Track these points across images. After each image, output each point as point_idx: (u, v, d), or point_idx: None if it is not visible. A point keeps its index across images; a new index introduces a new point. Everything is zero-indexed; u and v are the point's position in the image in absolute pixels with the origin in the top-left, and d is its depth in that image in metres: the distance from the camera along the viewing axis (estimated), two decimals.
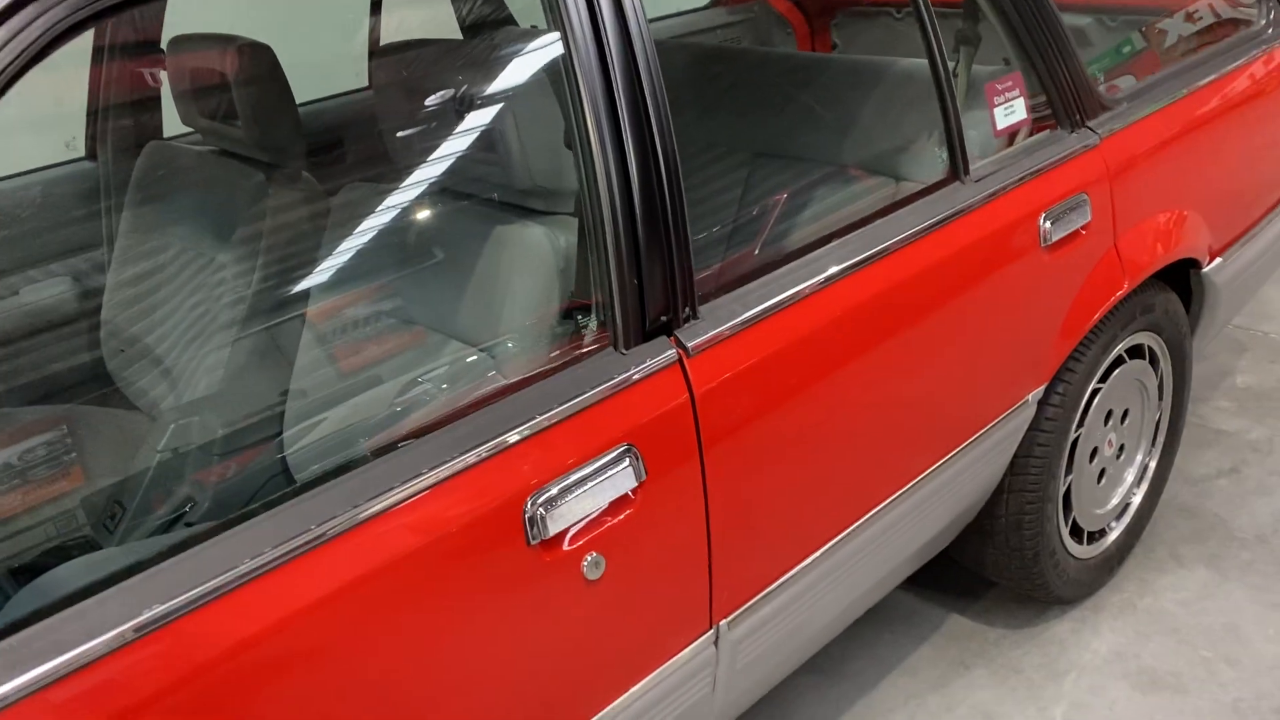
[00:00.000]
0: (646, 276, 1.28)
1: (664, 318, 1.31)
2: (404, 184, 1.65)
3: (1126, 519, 2.31)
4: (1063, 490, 2.09)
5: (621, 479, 1.22)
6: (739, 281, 1.43)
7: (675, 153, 1.30)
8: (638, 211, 1.26)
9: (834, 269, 1.52)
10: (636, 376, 1.26)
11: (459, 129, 1.51)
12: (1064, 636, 2.21)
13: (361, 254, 1.65)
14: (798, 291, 1.47)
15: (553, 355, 1.28)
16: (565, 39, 1.22)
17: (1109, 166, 1.90)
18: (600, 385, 1.23)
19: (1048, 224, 1.78)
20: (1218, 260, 2.28)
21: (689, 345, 1.32)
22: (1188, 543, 2.44)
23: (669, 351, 1.30)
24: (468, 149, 1.53)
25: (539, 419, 1.18)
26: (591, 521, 1.20)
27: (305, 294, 1.68)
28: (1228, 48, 2.29)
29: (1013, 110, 1.80)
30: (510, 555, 1.15)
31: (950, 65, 1.74)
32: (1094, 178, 1.88)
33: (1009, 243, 1.73)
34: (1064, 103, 1.87)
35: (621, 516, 1.24)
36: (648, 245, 1.28)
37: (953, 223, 1.66)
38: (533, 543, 1.16)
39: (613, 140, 1.24)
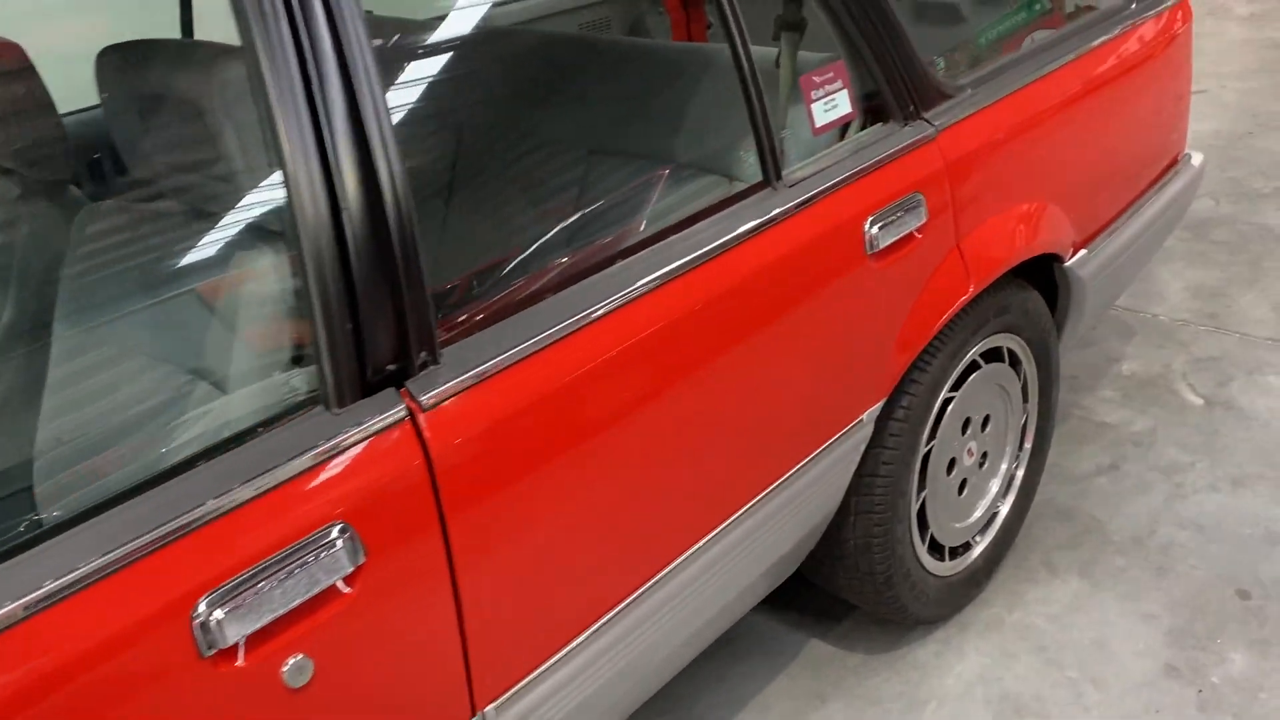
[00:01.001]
0: (366, 317, 1.09)
1: (393, 366, 1.13)
2: (140, 203, 1.45)
3: (993, 531, 2.17)
4: (916, 507, 1.95)
5: (330, 564, 1.04)
6: (500, 314, 1.25)
7: (401, 166, 1.11)
8: (352, 238, 1.08)
9: (618, 294, 1.34)
10: (352, 440, 1.08)
11: (176, 141, 1.32)
12: (926, 660, 2.08)
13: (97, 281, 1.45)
14: (573, 322, 1.29)
15: (247, 420, 1.08)
16: (249, 33, 1.03)
17: (948, 161, 1.75)
18: (301, 454, 1.05)
19: (874, 229, 1.62)
20: (1082, 253, 2.15)
21: (423, 398, 1.13)
22: (1062, 549, 2.32)
23: (397, 407, 1.12)
24: (190, 163, 1.33)
25: (213, 503, 0.99)
26: (286, 620, 1.02)
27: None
28: (1088, 24, 2.14)
29: (834, 105, 1.63)
30: (179, 672, 0.96)
31: (770, 54, 1.58)
32: (930, 175, 1.72)
33: (827, 253, 1.57)
34: (896, 93, 1.71)
35: (332, 609, 1.06)
36: (368, 279, 1.09)
37: (761, 235, 1.50)
38: (206, 654, 0.97)
39: (315, 152, 1.05)
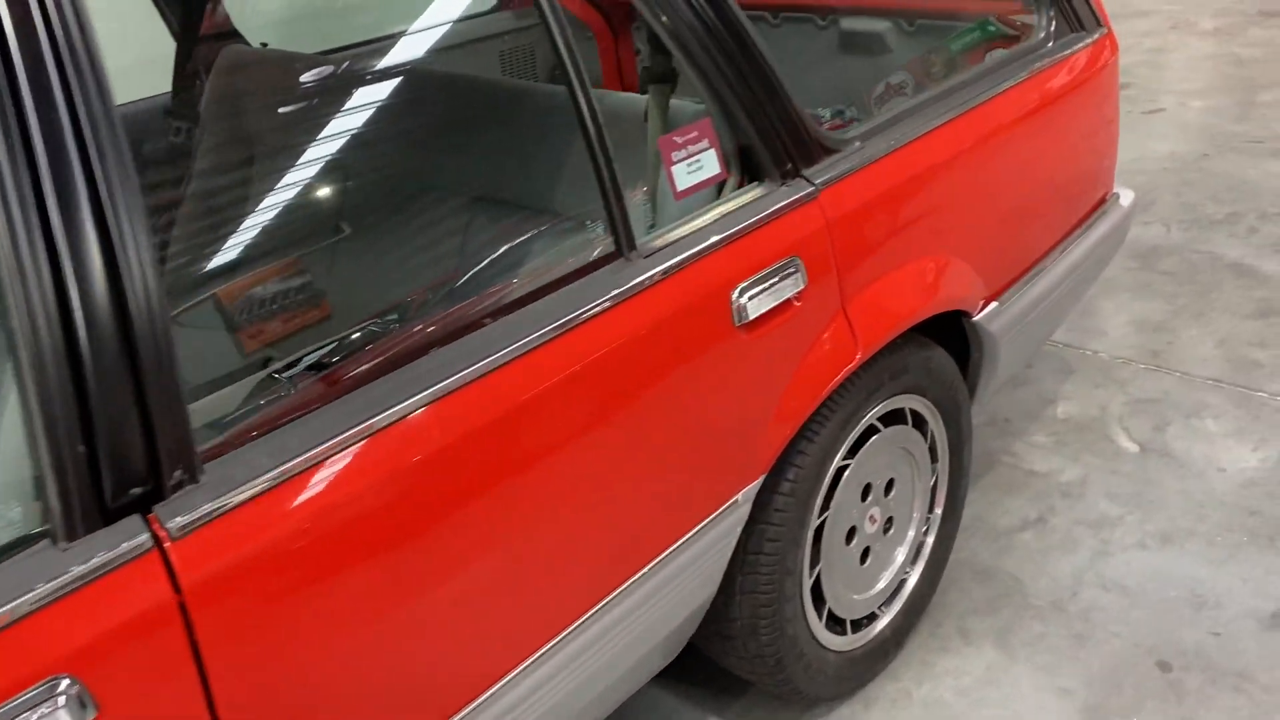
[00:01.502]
0: (103, 434, 0.97)
1: (139, 489, 1.00)
2: None
3: (901, 600, 2.05)
4: (809, 583, 1.82)
5: None
6: (279, 418, 1.12)
7: (152, 256, 0.98)
8: (85, 344, 0.95)
9: (441, 383, 1.22)
10: (79, 579, 0.95)
11: None
12: None
13: None
14: (381, 418, 1.16)
15: None
16: None
17: (831, 221, 1.63)
18: (19, 597, 0.92)
19: (743, 299, 1.50)
20: (992, 306, 2.03)
21: (171, 524, 1.01)
22: (979, 614, 2.20)
23: (141, 537, 0.99)
24: None
25: None
26: None
27: None
28: (998, 65, 2.03)
29: (700, 166, 1.51)
30: None
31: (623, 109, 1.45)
32: (809, 236, 1.60)
33: (687, 327, 1.45)
34: (771, 151, 1.59)
35: None
36: (106, 391, 0.96)
37: (611, 311, 1.37)
38: None
39: (39, 239, 0.93)
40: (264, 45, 2.41)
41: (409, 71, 2.01)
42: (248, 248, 1.72)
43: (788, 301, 1.58)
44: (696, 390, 1.48)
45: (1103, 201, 2.39)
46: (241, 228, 1.76)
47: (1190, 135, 4.67)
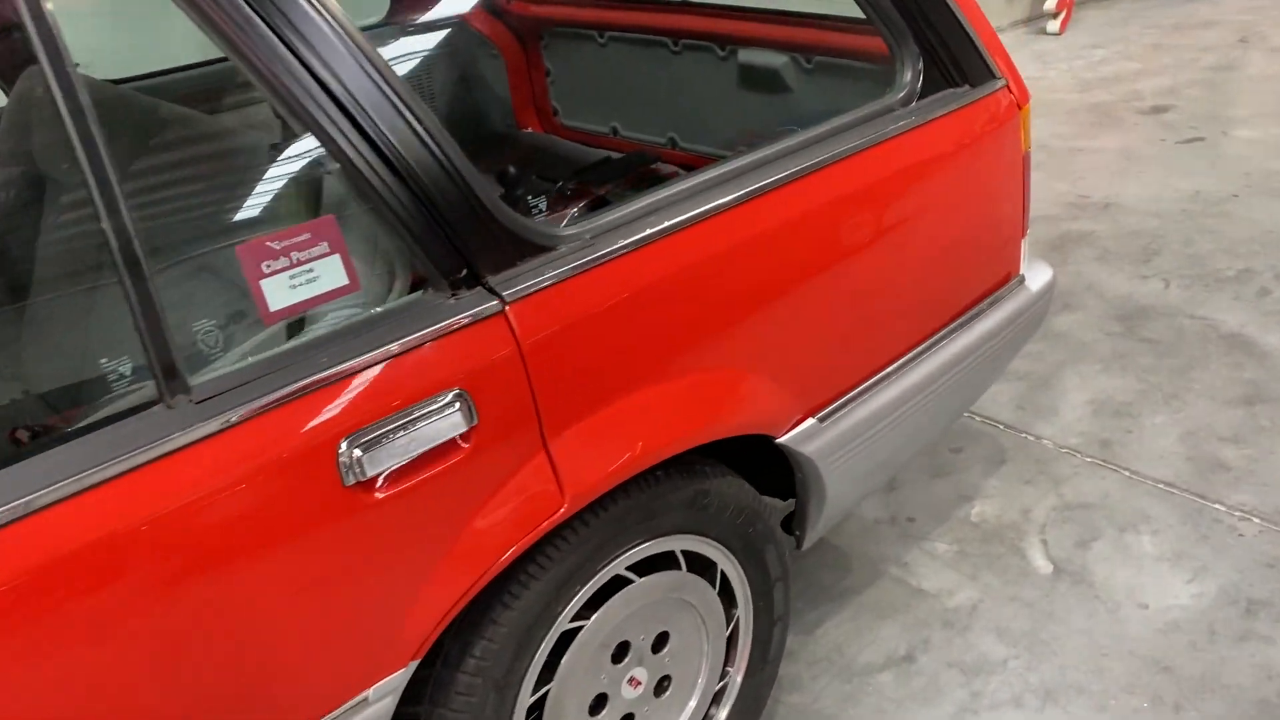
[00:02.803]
0: None
1: None
2: None
3: None
4: None
5: None
6: None
7: None
8: None
9: None
10: None
11: None
12: None
13: None
14: None
15: None
16: None
17: (530, 343, 1.29)
18: None
19: (358, 451, 1.17)
20: (808, 424, 1.67)
21: None
22: None
23: None
24: None
25: None
26: None
27: None
28: (824, 134, 1.65)
29: (314, 276, 1.18)
30: None
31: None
32: (488, 365, 1.26)
33: (265, 495, 1.13)
34: (433, 250, 1.25)
35: None
36: None
37: (141, 472, 1.06)
38: None
39: None
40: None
41: None
42: None
43: (446, 447, 1.24)
44: (285, 575, 1.16)
45: (999, 286, 1.99)
46: None
47: (1223, 172, 4.16)
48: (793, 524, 1.84)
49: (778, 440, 1.63)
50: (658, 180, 2.26)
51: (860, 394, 1.73)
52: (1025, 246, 2.04)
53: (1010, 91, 1.89)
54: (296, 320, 1.22)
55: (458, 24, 2.90)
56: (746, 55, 2.39)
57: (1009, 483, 2.54)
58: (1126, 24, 6.50)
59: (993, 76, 1.86)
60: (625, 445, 1.40)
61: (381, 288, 1.30)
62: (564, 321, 1.32)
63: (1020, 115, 1.92)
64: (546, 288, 1.31)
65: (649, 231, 1.41)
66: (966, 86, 1.82)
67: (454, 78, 2.96)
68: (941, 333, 1.85)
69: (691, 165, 2.50)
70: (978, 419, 2.79)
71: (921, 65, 1.76)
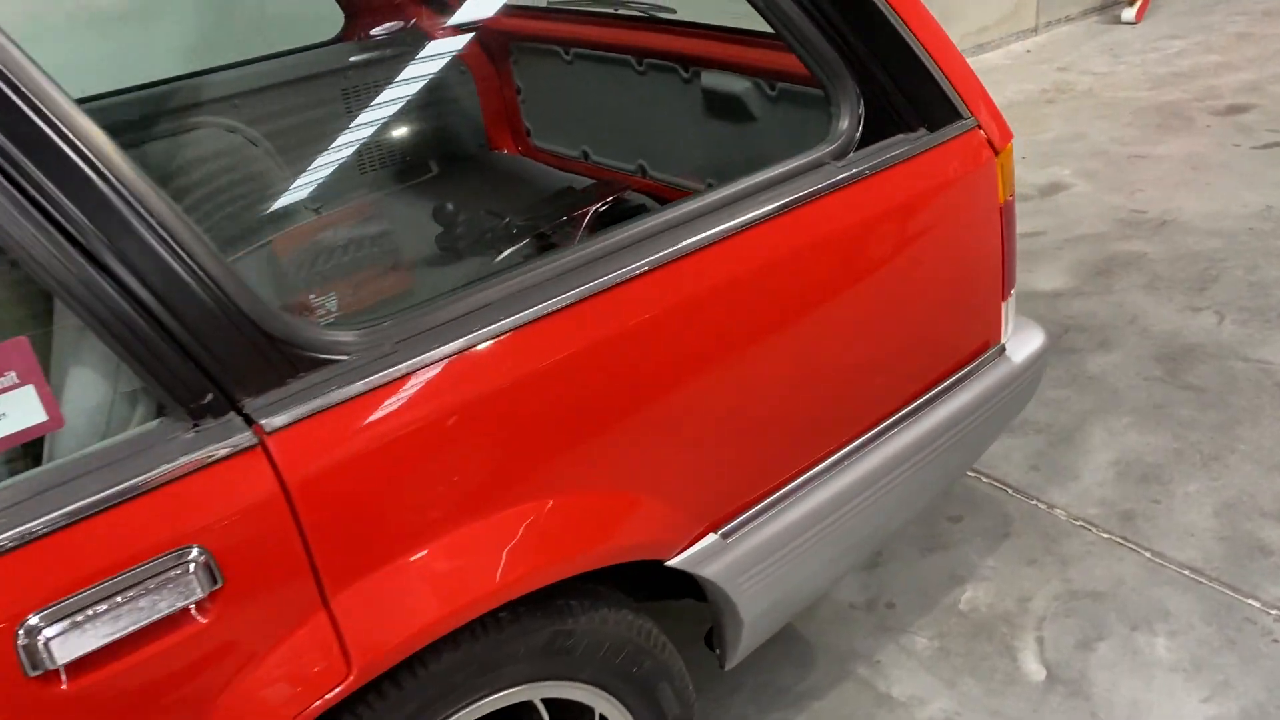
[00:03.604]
0: None
1: None
2: None
3: None
4: None
5: None
6: None
7: None
8: None
9: None
10: None
11: None
12: None
13: None
14: None
15: None
16: None
17: (294, 476, 1.04)
18: None
19: (50, 632, 0.94)
20: (708, 541, 1.39)
21: None
22: None
23: None
24: None
25: None
26: None
27: None
28: (724, 201, 1.36)
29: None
30: None
31: None
32: (240, 512, 1.01)
33: None
34: (160, 372, 1.00)
35: None
36: None
37: None
38: None
39: None
40: None
41: None
42: None
43: (175, 619, 1.00)
44: None
45: (971, 358, 1.69)
46: None
47: None
48: (712, 640, 1.57)
49: (669, 564, 1.36)
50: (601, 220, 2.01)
51: (777, 501, 1.45)
52: (1008, 309, 1.73)
53: (982, 132, 1.58)
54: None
55: (415, 35, 2.66)
56: (709, 79, 2.11)
57: (1009, 562, 2.23)
58: (1211, 10, 6.00)
59: (959, 117, 1.55)
60: (435, 599, 1.14)
61: (125, 415, 1.06)
62: (349, 451, 1.07)
63: (998, 159, 1.61)
64: (325, 410, 1.06)
65: (473, 334, 1.14)
66: (923, 131, 1.52)
67: (420, 97, 2.72)
68: (889, 420, 1.55)
69: (661, 196, 2.24)
70: (984, 480, 2.47)
71: (862, 110, 1.46)
